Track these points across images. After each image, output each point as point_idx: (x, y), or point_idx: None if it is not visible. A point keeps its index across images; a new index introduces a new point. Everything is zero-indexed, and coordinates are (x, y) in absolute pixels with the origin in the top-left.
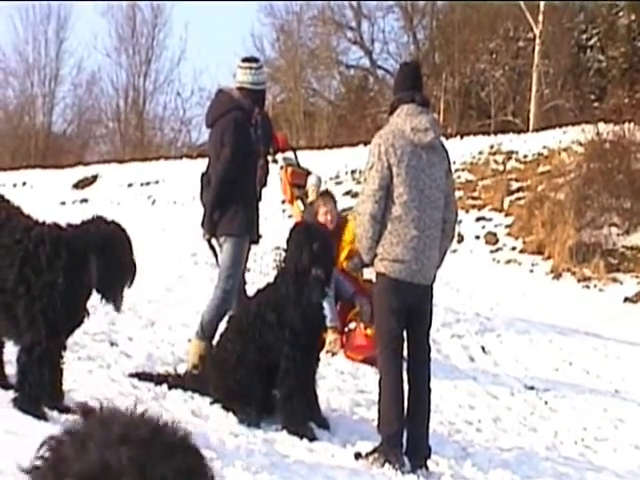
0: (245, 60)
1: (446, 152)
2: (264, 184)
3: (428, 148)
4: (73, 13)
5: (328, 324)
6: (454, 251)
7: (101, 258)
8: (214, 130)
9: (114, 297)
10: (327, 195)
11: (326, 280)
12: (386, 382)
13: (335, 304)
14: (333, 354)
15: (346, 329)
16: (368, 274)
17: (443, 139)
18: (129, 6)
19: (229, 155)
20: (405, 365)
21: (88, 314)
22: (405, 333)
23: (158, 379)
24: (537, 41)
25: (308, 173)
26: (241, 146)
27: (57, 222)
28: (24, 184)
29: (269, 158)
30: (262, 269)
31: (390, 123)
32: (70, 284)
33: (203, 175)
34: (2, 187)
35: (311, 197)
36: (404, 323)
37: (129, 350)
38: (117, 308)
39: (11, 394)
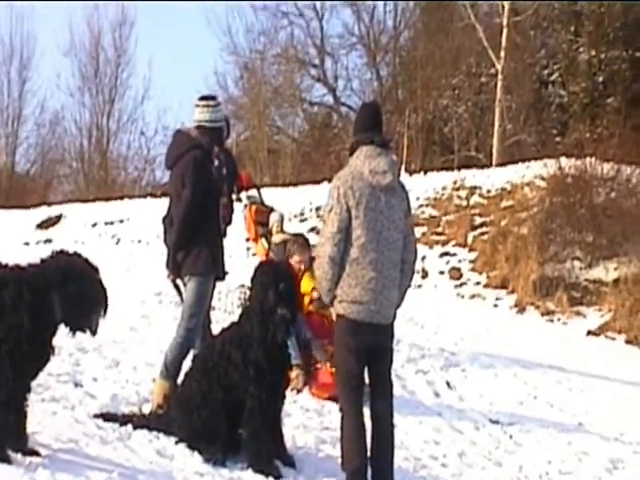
0: (202, 98)
1: (405, 193)
2: (229, 222)
3: (387, 190)
4: (36, 53)
5: (292, 362)
6: (419, 286)
7: (63, 292)
8: (174, 171)
9: (85, 327)
10: (304, 244)
11: (292, 319)
12: (347, 420)
13: (298, 343)
14: (298, 391)
15: (312, 368)
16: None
17: (406, 175)
18: (92, 45)
19: (189, 195)
20: (368, 402)
21: (54, 352)
22: (367, 371)
23: (123, 419)
24: (499, 77)
25: (271, 210)
26: (202, 185)
27: (18, 263)
28: None
29: (233, 196)
30: (227, 307)
31: (349, 165)
32: (35, 324)
33: (165, 217)
34: None
35: (275, 234)
36: (364, 362)
37: (94, 391)
38: (93, 333)
39: None
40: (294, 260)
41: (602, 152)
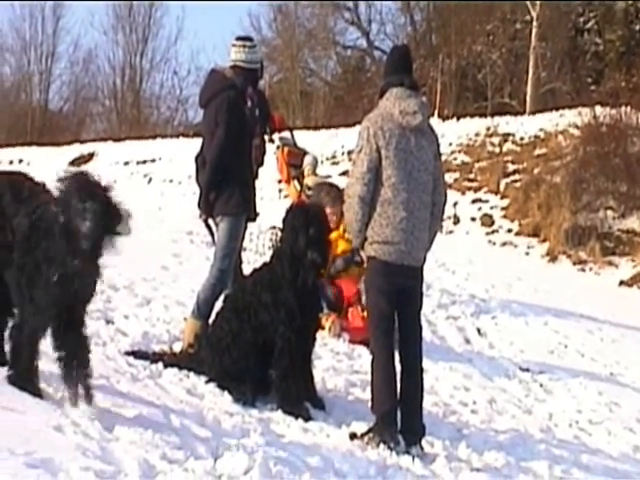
0: (239, 39)
1: (435, 135)
2: (261, 163)
3: (417, 131)
4: None
5: (324, 308)
6: (450, 232)
7: None
8: (208, 110)
9: None
10: (337, 196)
11: (322, 263)
12: (378, 362)
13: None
14: (338, 337)
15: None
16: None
17: (439, 121)
18: None
19: (223, 134)
20: (397, 345)
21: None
22: (397, 314)
23: (154, 357)
24: (534, 23)
25: (304, 153)
26: (235, 125)
27: None
28: (20, 161)
29: (265, 137)
30: (258, 248)
31: (379, 107)
32: None
33: (198, 156)
34: None
35: (307, 176)
36: (395, 304)
37: (125, 328)
38: None
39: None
40: (326, 211)
41: (637, 101)
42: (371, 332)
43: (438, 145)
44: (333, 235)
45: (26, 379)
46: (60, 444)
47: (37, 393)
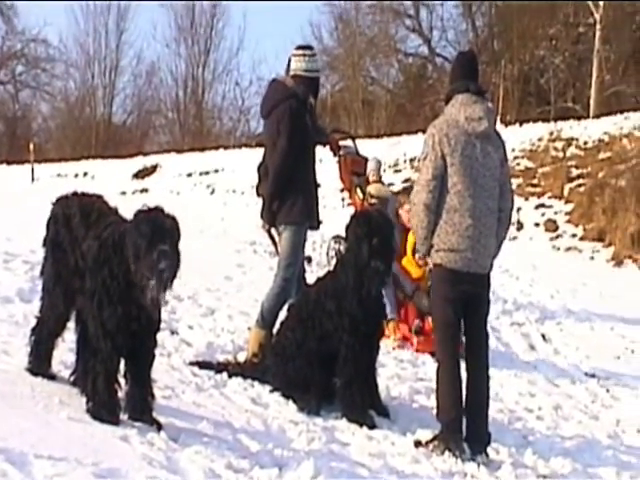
0: (299, 47)
1: (502, 141)
2: None
3: (482, 137)
4: (132, 4)
5: (388, 315)
6: (514, 238)
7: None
8: (270, 120)
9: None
10: None
11: (385, 272)
12: (443, 370)
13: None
14: (400, 347)
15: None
16: None
17: (502, 126)
18: None
19: (285, 144)
20: (463, 353)
21: None
22: (463, 322)
23: (218, 367)
24: (598, 26)
25: (366, 160)
26: (297, 134)
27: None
28: (85, 174)
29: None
30: (321, 258)
31: (444, 113)
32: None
33: (260, 166)
34: (64, 177)
35: (371, 182)
36: (461, 312)
37: (189, 338)
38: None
39: None
40: (405, 209)
41: None
42: (437, 340)
43: (505, 150)
44: (403, 261)
45: (104, 411)
46: (127, 454)
47: (115, 423)
